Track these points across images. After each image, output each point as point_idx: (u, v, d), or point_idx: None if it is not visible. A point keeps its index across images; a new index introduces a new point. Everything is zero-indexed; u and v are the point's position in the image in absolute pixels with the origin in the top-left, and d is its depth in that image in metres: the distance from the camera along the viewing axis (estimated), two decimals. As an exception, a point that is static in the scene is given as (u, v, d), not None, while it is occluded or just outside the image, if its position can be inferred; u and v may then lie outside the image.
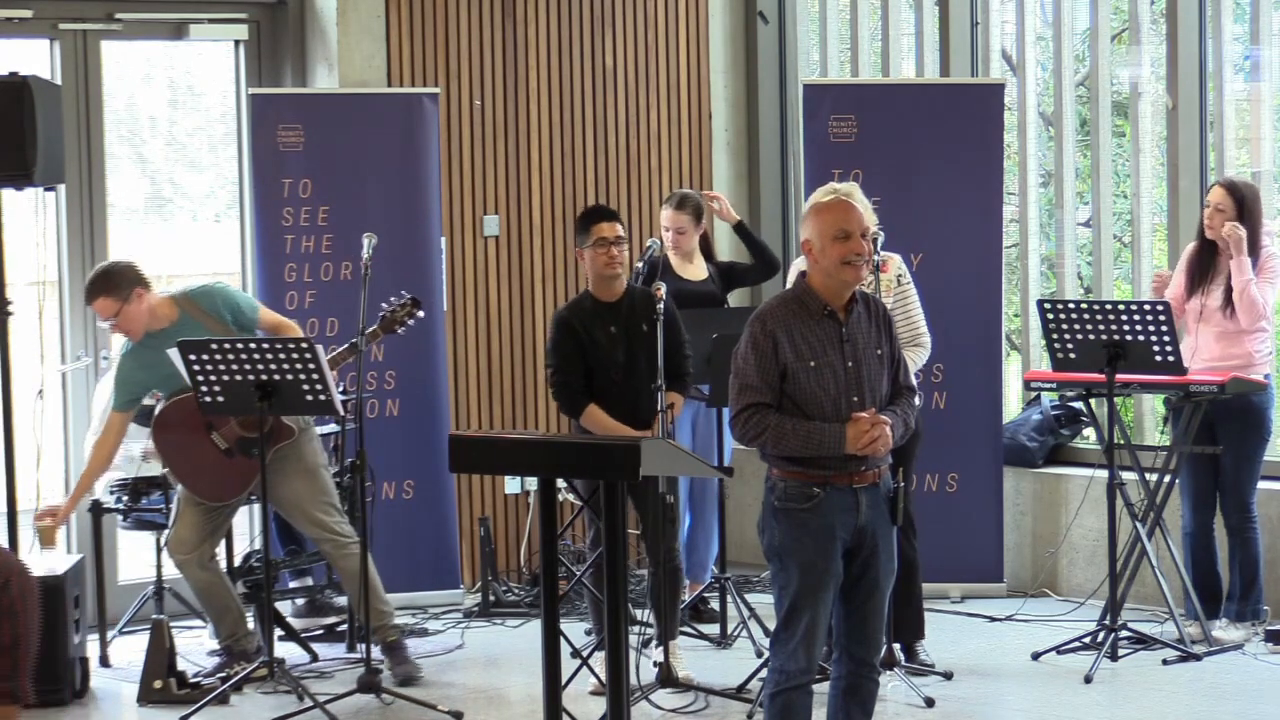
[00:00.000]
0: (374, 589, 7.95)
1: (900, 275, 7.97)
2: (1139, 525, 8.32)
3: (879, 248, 7.75)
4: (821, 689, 6.06)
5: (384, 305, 8.06)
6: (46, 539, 7.98)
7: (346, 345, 7.98)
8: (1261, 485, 8.58)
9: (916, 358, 7.92)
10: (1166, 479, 8.39)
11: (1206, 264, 8.36)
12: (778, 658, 5.89)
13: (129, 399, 8.05)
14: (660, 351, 7.47)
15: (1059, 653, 8.18)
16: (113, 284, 7.91)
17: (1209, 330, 8.30)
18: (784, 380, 5.81)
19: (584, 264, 7.81)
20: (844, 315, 5.86)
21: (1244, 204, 8.26)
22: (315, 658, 8.34)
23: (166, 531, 8.10)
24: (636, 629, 7.78)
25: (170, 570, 8.45)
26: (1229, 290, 8.24)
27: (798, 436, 5.76)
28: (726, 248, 9.98)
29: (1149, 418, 9.56)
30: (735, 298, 9.41)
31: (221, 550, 8.27)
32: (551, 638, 5.89)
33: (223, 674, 7.90)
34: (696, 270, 8.97)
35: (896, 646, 7.84)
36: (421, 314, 8.15)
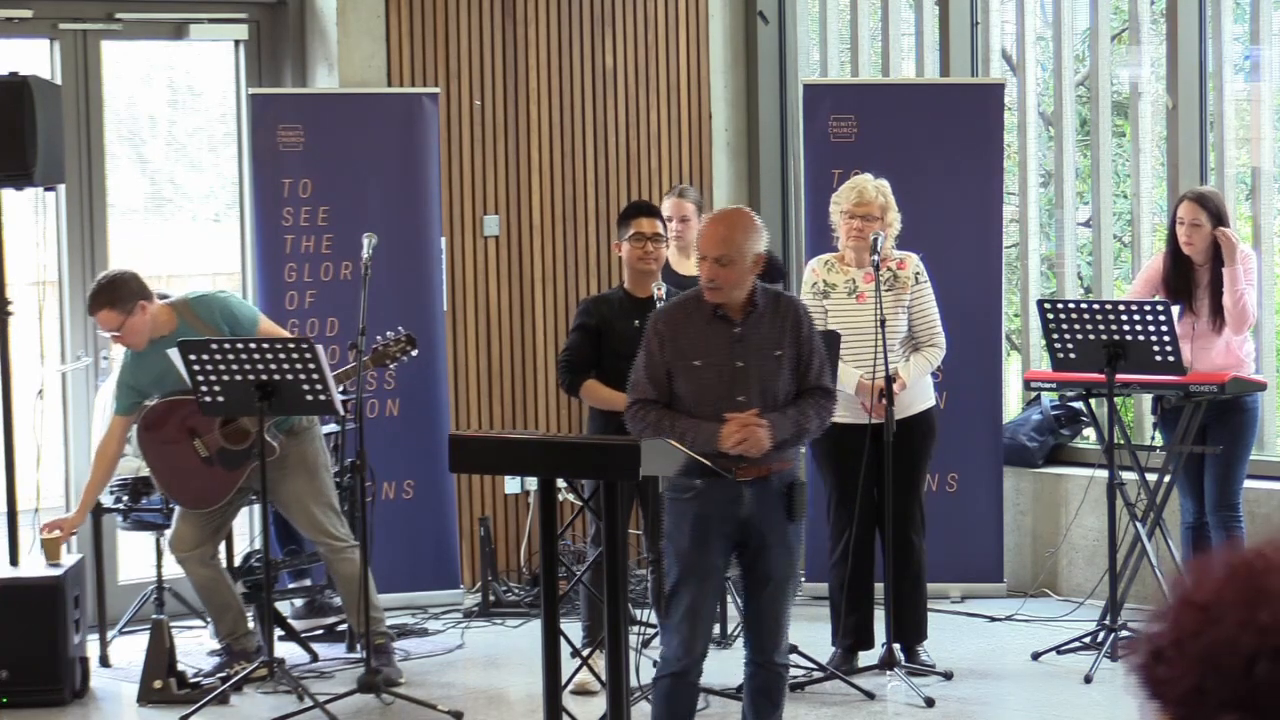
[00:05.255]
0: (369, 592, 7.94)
1: (918, 274, 8.01)
2: (1139, 525, 8.31)
3: (877, 247, 7.78)
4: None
5: (380, 337, 8.03)
6: (52, 553, 7.94)
7: (351, 365, 7.97)
8: (1261, 485, 8.57)
9: (932, 358, 7.96)
10: (1166, 479, 8.40)
11: (1187, 283, 8.30)
12: (661, 644, 6.06)
13: (131, 403, 8.00)
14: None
15: (1059, 653, 8.19)
16: (117, 296, 7.83)
17: (1203, 346, 8.26)
18: (671, 378, 6.00)
19: (620, 255, 7.88)
20: (740, 316, 5.98)
21: (1219, 213, 8.21)
22: (315, 658, 8.34)
23: (169, 530, 8.10)
24: (636, 629, 7.78)
25: (170, 570, 8.44)
26: (1213, 303, 8.20)
27: (674, 432, 5.93)
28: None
29: (1149, 418, 9.55)
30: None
31: (221, 550, 8.26)
32: (551, 638, 5.89)
33: (223, 674, 7.89)
34: (693, 266, 8.94)
35: (896, 646, 7.85)
36: (415, 353, 8.14)
